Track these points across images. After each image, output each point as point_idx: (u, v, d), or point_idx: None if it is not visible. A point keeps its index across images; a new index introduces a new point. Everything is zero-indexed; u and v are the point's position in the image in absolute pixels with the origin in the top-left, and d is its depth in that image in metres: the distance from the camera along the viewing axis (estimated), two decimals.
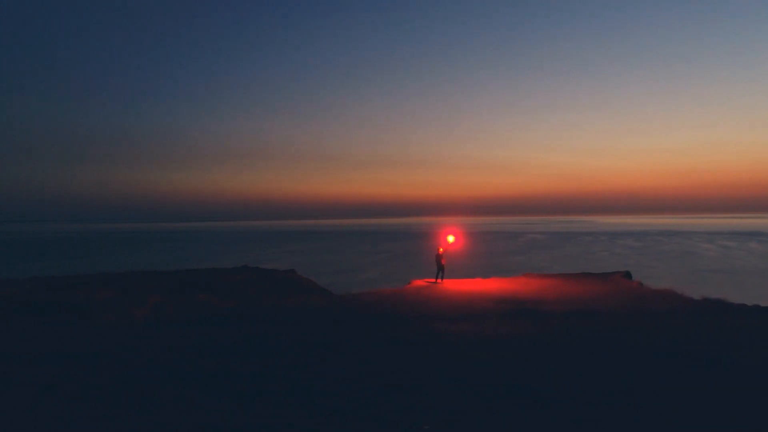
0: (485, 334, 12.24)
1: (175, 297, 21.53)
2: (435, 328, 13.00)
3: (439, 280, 24.36)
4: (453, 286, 22.87)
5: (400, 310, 16.13)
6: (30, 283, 25.38)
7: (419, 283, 24.45)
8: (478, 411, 6.88)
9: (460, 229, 26.26)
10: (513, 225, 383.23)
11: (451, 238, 25.10)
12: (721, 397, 7.63)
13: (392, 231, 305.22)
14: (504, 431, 6.25)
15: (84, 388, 7.61)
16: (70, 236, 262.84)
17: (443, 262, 24.53)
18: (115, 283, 23.81)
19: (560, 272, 29.59)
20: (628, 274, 26.50)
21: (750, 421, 6.77)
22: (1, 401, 6.90)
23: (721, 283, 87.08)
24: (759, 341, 11.56)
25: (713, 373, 8.94)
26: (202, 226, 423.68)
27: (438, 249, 24.89)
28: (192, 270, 29.68)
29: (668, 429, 6.39)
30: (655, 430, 6.35)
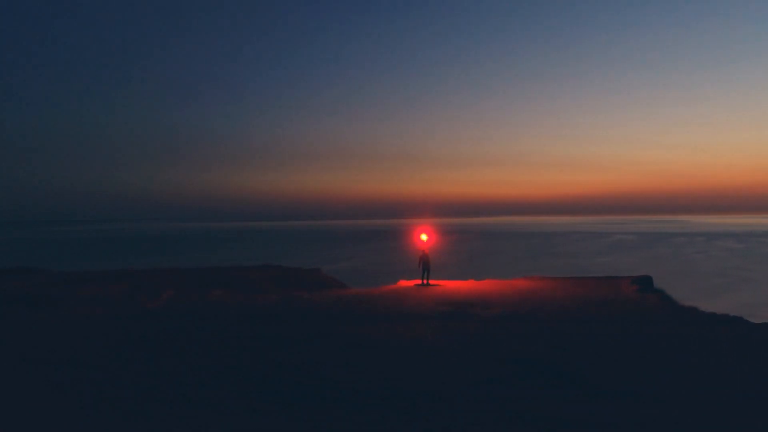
0: (381, 336, 12.71)
1: (190, 292, 22.08)
2: (344, 329, 13.56)
3: (425, 281, 23.88)
4: (432, 287, 22.83)
5: (340, 309, 16.81)
6: (39, 276, 26.38)
7: (405, 284, 24.32)
8: (242, 406, 7.35)
9: (433, 228, 25.95)
10: (601, 225, 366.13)
11: (424, 237, 24.70)
12: (515, 406, 7.57)
13: (473, 230, 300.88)
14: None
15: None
16: (169, 234, 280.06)
17: (428, 263, 23.98)
18: (133, 278, 24.78)
19: (578, 276, 27.76)
20: (642, 280, 24.50)
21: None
22: None
23: None
24: (650, 353, 11.07)
25: (534, 383, 8.85)
26: (290, 225, 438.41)
27: (422, 250, 24.31)
28: (213, 267, 30.69)
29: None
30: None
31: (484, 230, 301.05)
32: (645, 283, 23.97)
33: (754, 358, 10.95)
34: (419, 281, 24.09)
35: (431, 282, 23.95)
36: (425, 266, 23.90)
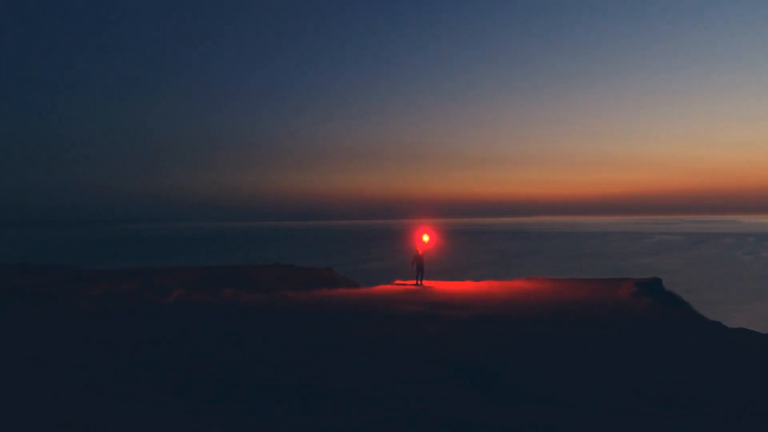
0: (335, 335, 13.11)
1: (201, 291, 22.27)
2: (303, 328, 14.05)
3: (419, 282, 23.98)
4: (431, 288, 23.03)
5: (314, 309, 17.29)
6: (65, 273, 26.79)
7: (399, 284, 24.39)
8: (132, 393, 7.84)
9: (434, 229, 26.01)
10: (644, 225, 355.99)
11: (426, 238, 24.68)
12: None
13: (507, 230, 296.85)
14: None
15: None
16: (209, 233, 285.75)
17: (422, 263, 24.02)
18: (146, 276, 25.07)
19: (582, 277, 27.04)
20: (647, 282, 23.03)
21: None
22: None
23: None
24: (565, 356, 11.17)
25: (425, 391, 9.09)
26: (328, 224, 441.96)
27: (417, 250, 24.33)
28: (227, 266, 31.63)
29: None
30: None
31: (521, 230, 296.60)
32: (648, 285, 22.85)
33: (697, 364, 10.74)
34: (414, 282, 24.27)
35: (424, 283, 24.06)
36: (419, 267, 24.00)
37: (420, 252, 24.20)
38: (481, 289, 22.15)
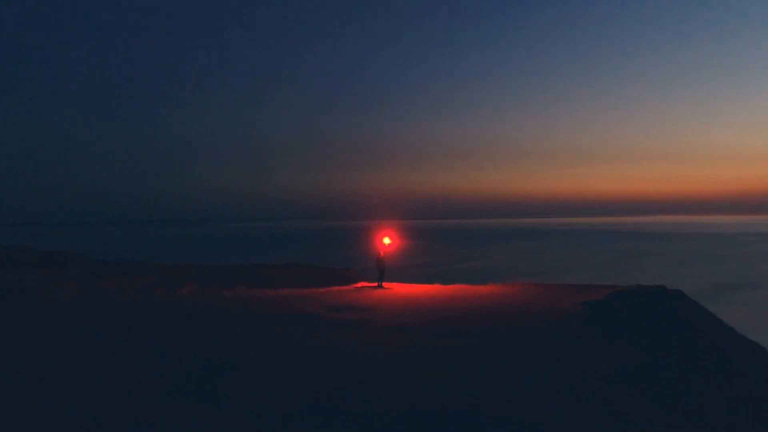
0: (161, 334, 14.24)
1: (213, 287, 22.32)
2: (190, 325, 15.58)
3: (380, 284, 24.36)
4: (384, 290, 23.36)
5: (234, 308, 18.08)
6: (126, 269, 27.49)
7: (362, 285, 24.97)
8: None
9: (396, 232, 26.30)
10: None
11: (387, 240, 25.08)
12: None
13: (623, 231, 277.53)
14: None
15: None
16: (311, 233, 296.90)
17: (383, 265, 24.42)
18: (160, 273, 25.67)
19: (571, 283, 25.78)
20: (627, 292, 19.90)
21: None
22: None
23: None
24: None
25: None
26: (433, 224, 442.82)
27: (378, 252, 24.78)
28: (243, 265, 32.84)
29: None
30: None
31: (640, 230, 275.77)
32: (629, 295, 19.14)
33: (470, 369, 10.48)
34: (375, 283, 24.88)
35: (384, 285, 24.42)
36: (380, 268, 24.47)
37: (381, 254, 24.52)
38: (432, 293, 21.85)
